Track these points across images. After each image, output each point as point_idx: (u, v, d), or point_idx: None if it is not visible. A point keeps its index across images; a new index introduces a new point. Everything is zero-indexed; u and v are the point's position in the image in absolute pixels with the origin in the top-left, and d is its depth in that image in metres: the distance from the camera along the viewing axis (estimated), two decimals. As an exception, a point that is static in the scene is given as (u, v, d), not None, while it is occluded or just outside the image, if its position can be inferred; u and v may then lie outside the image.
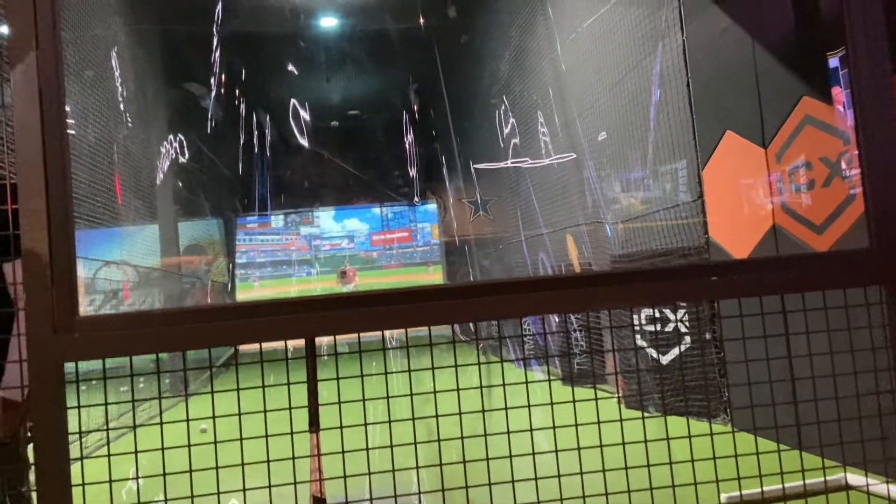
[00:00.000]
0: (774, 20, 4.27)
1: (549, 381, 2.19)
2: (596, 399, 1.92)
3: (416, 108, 11.09)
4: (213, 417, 1.78)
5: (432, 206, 13.60)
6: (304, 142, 11.60)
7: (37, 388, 1.69)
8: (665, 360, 5.43)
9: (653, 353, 5.50)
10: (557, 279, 1.87)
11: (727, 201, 4.83)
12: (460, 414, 1.86)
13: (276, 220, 13.15)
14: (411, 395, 1.91)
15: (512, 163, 9.49)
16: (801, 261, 1.88)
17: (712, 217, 4.97)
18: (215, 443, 1.79)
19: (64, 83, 1.77)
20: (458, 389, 1.95)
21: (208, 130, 9.80)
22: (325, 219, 13.42)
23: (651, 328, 5.44)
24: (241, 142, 10.16)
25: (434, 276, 13.37)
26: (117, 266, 8.45)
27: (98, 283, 8.39)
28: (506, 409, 1.88)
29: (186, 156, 9.72)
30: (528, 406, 1.90)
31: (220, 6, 6.50)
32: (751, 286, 1.88)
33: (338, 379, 1.86)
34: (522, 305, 1.83)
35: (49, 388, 1.68)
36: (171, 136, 9.43)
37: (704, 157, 4.97)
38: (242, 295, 12.79)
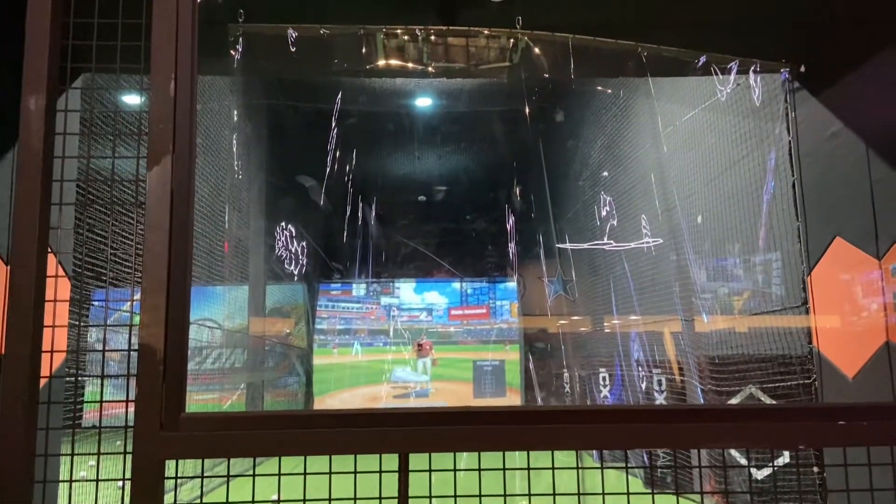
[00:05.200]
0: (889, 125, 4.09)
1: (653, 493, 2.06)
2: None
3: (508, 186, 11.21)
4: (303, 527, 1.75)
5: (512, 285, 13.53)
6: (390, 215, 11.88)
7: (138, 482, 1.71)
8: (760, 474, 5.06)
9: (745, 462, 5.13)
10: (666, 411, 1.78)
11: (834, 310, 4.56)
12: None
13: (358, 288, 13.38)
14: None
15: (594, 244, 9.35)
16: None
17: (818, 326, 4.68)
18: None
19: (194, 186, 1.86)
20: (553, 494, 1.86)
21: (312, 215, 10.27)
22: (406, 290, 13.56)
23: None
24: (345, 217, 10.54)
25: (511, 355, 13.15)
26: (209, 328, 8.75)
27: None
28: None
29: (288, 236, 10.17)
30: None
31: (339, 95, 6.86)
32: (885, 435, 1.72)
33: (430, 496, 1.80)
34: (629, 437, 1.74)
35: (150, 482, 1.70)
36: (276, 222, 9.96)
37: (810, 262, 4.73)
38: (319, 360, 12.94)
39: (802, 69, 4.49)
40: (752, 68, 4.41)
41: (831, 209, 4.52)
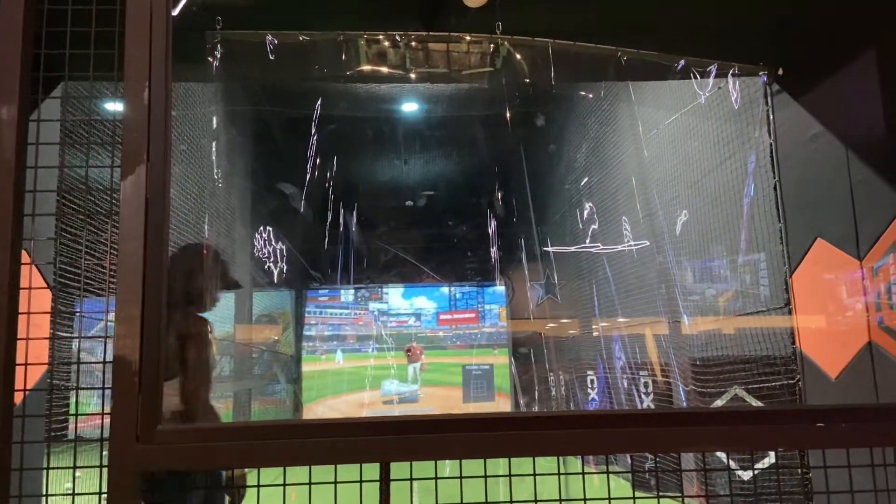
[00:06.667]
0: (868, 127, 4.13)
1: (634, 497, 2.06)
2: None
3: (491, 191, 11.22)
4: (282, 539, 1.73)
5: (501, 288, 13.53)
6: (372, 221, 11.86)
7: (115, 496, 1.69)
8: (746, 475, 5.07)
9: (733, 464, 5.14)
10: (649, 415, 1.78)
11: (816, 311, 4.59)
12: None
13: (346, 294, 13.33)
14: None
15: (581, 247, 9.38)
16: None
17: (800, 326, 4.71)
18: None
19: (169, 194, 1.84)
20: (535, 501, 1.85)
21: (294, 220, 10.21)
22: (394, 295, 13.52)
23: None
24: (327, 222, 10.51)
25: (500, 359, 13.14)
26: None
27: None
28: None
29: (269, 242, 10.11)
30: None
31: (320, 101, 6.84)
32: (862, 437, 1.73)
33: (411, 506, 1.79)
34: (612, 442, 1.74)
35: (127, 498, 1.68)
36: (256, 225, 9.90)
37: (792, 264, 4.77)
38: (308, 367, 12.88)
39: (781, 72, 4.52)
40: (731, 71, 4.45)
41: (812, 211, 4.55)
